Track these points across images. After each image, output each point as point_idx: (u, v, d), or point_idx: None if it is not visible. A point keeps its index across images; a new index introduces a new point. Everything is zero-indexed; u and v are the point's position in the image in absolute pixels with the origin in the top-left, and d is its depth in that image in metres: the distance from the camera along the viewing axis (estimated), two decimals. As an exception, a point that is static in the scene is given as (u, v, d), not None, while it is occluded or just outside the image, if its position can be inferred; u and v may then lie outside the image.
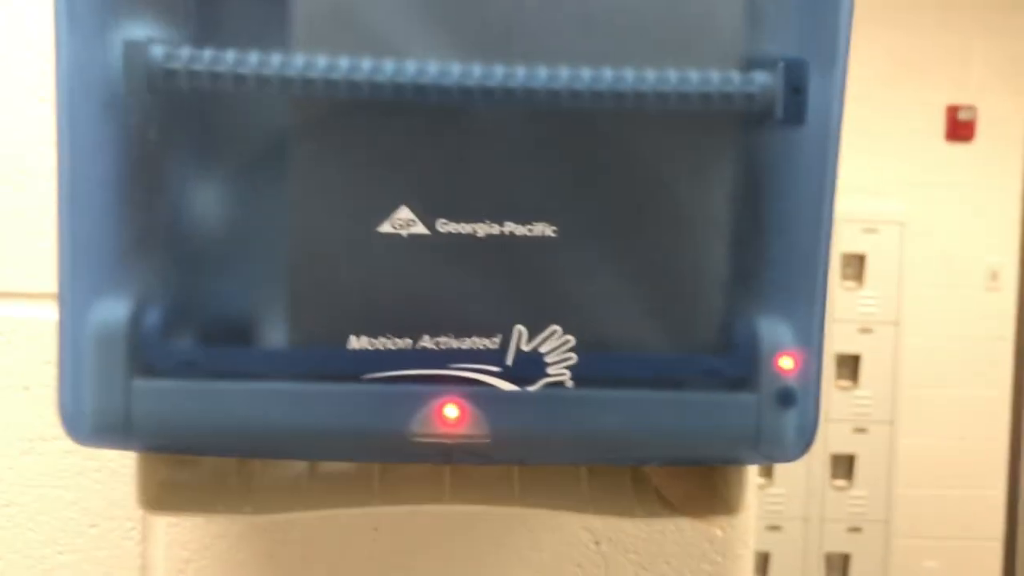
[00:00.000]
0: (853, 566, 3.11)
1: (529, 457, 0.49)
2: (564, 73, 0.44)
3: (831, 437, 3.05)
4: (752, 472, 0.56)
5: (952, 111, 3.36)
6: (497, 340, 0.45)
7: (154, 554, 0.66)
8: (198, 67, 0.43)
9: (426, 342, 0.45)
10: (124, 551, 0.66)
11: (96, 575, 0.66)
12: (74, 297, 0.45)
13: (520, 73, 0.44)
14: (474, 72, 0.43)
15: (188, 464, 0.49)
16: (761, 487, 3.03)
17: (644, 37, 0.45)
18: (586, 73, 0.44)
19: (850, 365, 3.12)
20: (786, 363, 0.47)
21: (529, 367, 0.46)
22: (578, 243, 0.45)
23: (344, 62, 0.43)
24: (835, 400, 3.04)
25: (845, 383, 3.12)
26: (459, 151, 0.45)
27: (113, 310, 0.45)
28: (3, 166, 0.66)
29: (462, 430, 0.45)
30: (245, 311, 0.46)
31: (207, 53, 0.43)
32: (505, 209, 0.45)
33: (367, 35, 0.44)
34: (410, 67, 0.43)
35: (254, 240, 0.46)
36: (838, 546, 3.11)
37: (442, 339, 0.45)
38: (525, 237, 0.45)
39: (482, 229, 0.45)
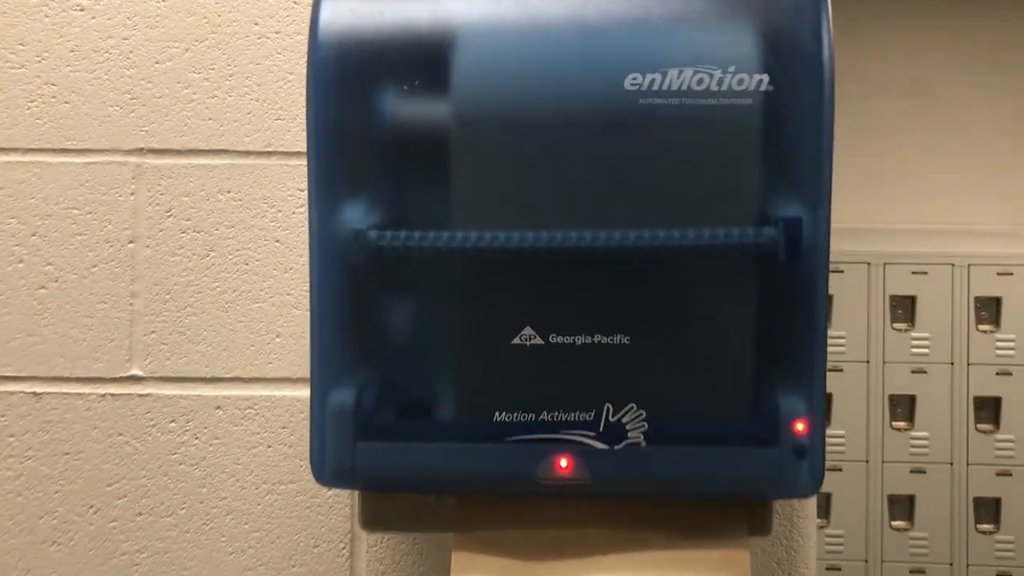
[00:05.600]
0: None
1: (618, 494, 0.71)
2: (634, 234, 0.66)
3: (973, 482, 3.03)
4: (810, 509, 0.76)
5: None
6: (592, 414, 0.68)
7: (359, 567, 0.91)
8: (398, 243, 0.68)
9: (545, 416, 0.68)
10: (338, 564, 0.91)
11: (318, 581, 0.92)
12: (320, 388, 0.70)
13: (603, 236, 0.66)
14: (573, 236, 0.66)
15: (392, 497, 0.74)
16: (902, 530, 3.06)
17: (688, 207, 0.67)
18: (649, 234, 0.66)
19: (991, 408, 3.10)
20: (799, 426, 0.67)
21: (615, 432, 0.68)
22: (645, 347, 0.67)
23: (488, 235, 0.67)
24: (975, 444, 3.03)
25: (986, 427, 3.10)
26: (565, 288, 0.68)
27: (344, 397, 0.70)
28: (252, 287, 0.93)
29: (572, 476, 0.68)
30: (427, 396, 0.71)
31: (403, 234, 0.68)
32: (595, 325, 0.67)
33: (505, 214, 0.68)
34: (531, 236, 0.67)
35: (433, 350, 0.70)
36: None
37: (555, 413, 0.68)
38: (609, 344, 0.67)
39: (580, 340, 0.67)
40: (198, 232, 0.93)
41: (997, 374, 3.11)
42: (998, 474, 3.11)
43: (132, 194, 0.93)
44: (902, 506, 3.08)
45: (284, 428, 0.92)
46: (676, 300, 0.68)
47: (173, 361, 0.93)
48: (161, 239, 0.93)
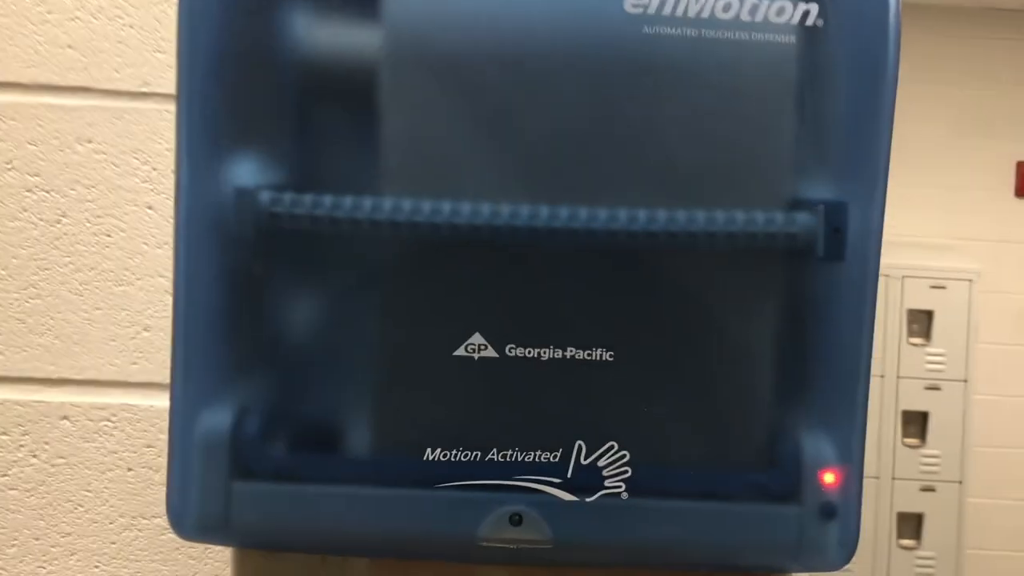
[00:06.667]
0: (921, 629, 3.03)
1: (588, 561, 0.53)
2: (622, 215, 0.49)
3: (898, 496, 3.00)
4: None
5: (1022, 167, 3.32)
6: (558, 454, 0.50)
7: (239, 625, 0.71)
8: (299, 211, 0.49)
9: (494, 455, 0.50)
10: (212, 622, 0.72)
11: (186, 643, 0.72)
12: (184, 407, 0.51)
13: (582, 214, 0.49)
14: (541, 214, 0.49)
15: (279, 557, 0.55)
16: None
17: (697, 179, 0.50)
18: (642, 215, 0.49)
19: (918, 423, 3.07)
20: (829, 478, 0.51)
21: (588, 479, 0.50)
22: (633, 367, 0.50)
23: (427, 206, 0.49)
24: (901, 458, 3.00)
25: (912, 441, 3.08)
26: (527, 283, 0.50)
27: (218, 419, 0.51)
28: (114, 265, 0.73)
29: (527, 537, 0.50)
30: (334, 422, 0.52)
31: (307, 198, 0.49)
32: (567, 335, 0.49)
33: (448, 180, 0.49)
34: (485, 210, 0.49)
35: (343, 360, 0.51)
36: (905, 609, 3.04)
37: (508, 452, 0.50)
38: (585, 361, 0.49)
39: (546, 353, 0.49)
40: (47, 192, 0.72)
41: (926, 388, 3.10)
42: (922, 489, 3.09)
43: (-40, 138, 0.72)
44: (827, 522, 3.01)
45: (150, 447, 0.72)
46: (676, 305, 0.50)
47: (8, 357, 0.72)
48: (-3, 198, 0.72)
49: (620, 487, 0.50)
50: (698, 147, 0.50)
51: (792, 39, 0.48)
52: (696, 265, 0.50)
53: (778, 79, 0.49)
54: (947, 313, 3.05)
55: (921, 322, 3.07)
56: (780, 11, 0.47)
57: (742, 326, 0.51)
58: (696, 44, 0.48)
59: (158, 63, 0.72)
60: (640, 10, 0.47)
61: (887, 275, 3.00)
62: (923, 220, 3.23)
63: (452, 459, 0.50)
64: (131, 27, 0.73)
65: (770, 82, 0.49)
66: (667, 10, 0.47)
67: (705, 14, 0.47)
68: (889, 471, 3.04)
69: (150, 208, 0.73)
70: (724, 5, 0.47)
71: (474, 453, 0.50)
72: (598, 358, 0.50)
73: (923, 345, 3.03)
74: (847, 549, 0.51)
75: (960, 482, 3.07)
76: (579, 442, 0.50)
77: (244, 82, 0.51)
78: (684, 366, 0.50)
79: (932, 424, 3.04)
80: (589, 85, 0.48)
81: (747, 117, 0.49)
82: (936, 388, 3.06)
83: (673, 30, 0.47)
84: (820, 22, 0.48)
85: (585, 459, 0.50)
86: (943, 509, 3.04)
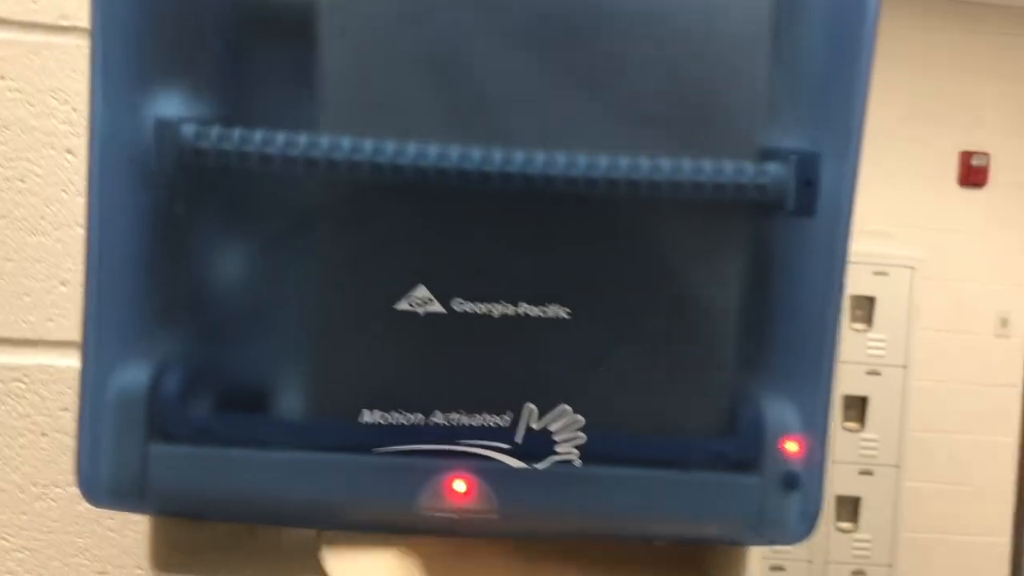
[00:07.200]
0: (857, 610, 3.08)
1: (535, 532, 0.50)
2: (581, 160, 0.45)
3: (837, 479, 3.04)
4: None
5: (965, 157, 3.37)
6: (508, 418, 0.46)
7: (161, 602, 0.67)
8: (227, 146, 0.44)
9: (438, 418, 0.46)
10: (132, 598, 0.67)
11: (103, 621, 0.67)
12: (97, 362, 0.46)
13: (539, 159, 0.45)
14: (494, 157, 0.45)
15: (200, 527, 0.50)
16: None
17: (664, 125, 0.46)
18: (603, 161, 0.45)
19: (857, 407, 3.11)
20: (791, 446, 0.48)
21: (538, 445, 0.46)
22: (590, 325, 0.46)
23: (368, 144, 0.44)
24: (841, 442, 3.03)
25: (852, 425, 3.11)
26: (478, 234, 0.46)
27: (134, 376, 0.46)
28: (28, 213, 0.67)
29: (470, 504, 0.46)
30: (262, 381, 0.47)
31: (236, 133, 0.44)
32: (520, 291, 0.46)
33: (392, 120, 0.45)
34: (432, 151, 0.44)
35: (274, 312, 0.47)
36: (842, 590, 3.09)
37: (453, 415, 0.46)
38: (539, 318, 0.46)
39: (497, 310, 0.46)
40: (-46, 132, 0.66)
41: (866, 373, 3.14)
42: (860, 473, 3.13)
43: None
44: (768, 503, 3.04)
45: (66, 410, 0.67)
46: (636, 261, 0.47)
47: (-92, 311, 0.66)
48: (-102, 138, 0.66)
49: (573, 453, 0.47)
50: (665, 92, 0.46)
51: (768, -23, 0.44)
52: (660, 218, 0.47)
53: (751, 22, 0.45)
54: (888, 299, 3.09)
55: (863, 308, 3.10)
56: (756, -54, 0.44)
57: (705, 284, 0.47)
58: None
59: (80, -5, 0.67)
60: (607, -61, 0.44)
61: (832, 260, 3.03)
62: (867, 207, 3.24)
63: (392, 422, 0.46)
64: (50, -46, 0.67)
65: (743, 25, 0.45)
66: (636, -60, 0.43)
67: (676, -53, 0.44)
68: (829, 455, 3.08)
69: (69, 152, 0.67)
70: (696, -64, 0.44)
71: (416, 415, 0.46)
72: (553, 315, 0.46)
73: (864, 331, 3.07)
74: (809, 522, 0.48)
75: (897, 466, 3.12)
76: (530, 405, 0.46)
77: (167, 6, 0.46)
78: (644, 326, 0.47)
79: (871, 409, 3.08)
80: (550, 22, 0.45)
81: (717, 61, 0.46)
82: (876, 373, 3.10)
83: (642, -37, 0.44)
84: (797, -41, 0.44)
85: (536, 423, 0.46)
86: (880, 493, 3.09)
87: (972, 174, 3.39)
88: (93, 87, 0.45)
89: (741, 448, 0.48)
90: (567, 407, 0.46)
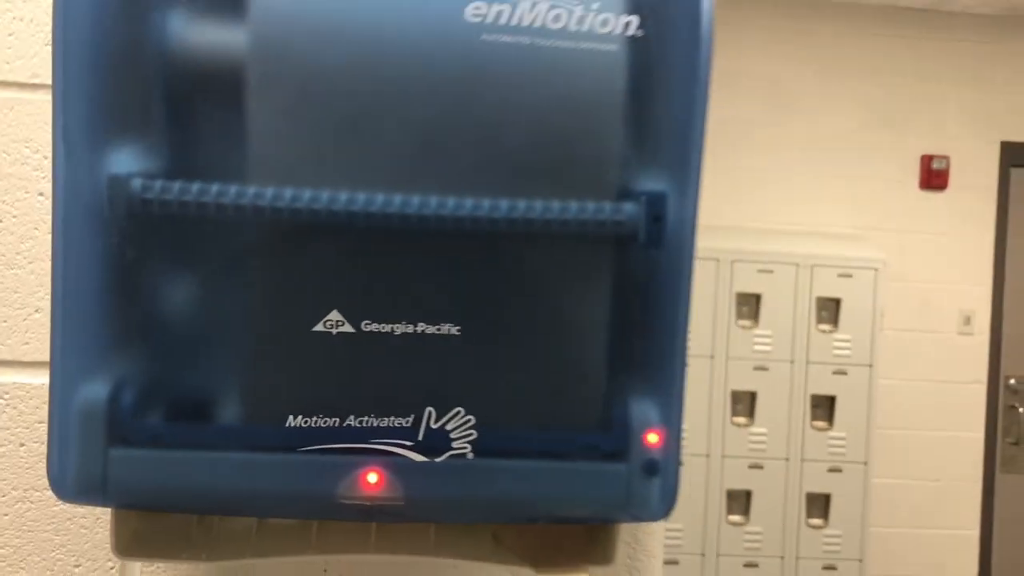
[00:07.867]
0: (825, 605, 3.15)
1: (437, 517, 0.59)
2: (467, 203, 0.54)
3: (806, 477, 3.12)
4: (656, 539, 0.65)
5: (926, 160, 3.46)
6: (410, 419, 0.55)
7: (130, 591, 0.75)
8: (169, 197, 0.53)
9: (351, 421, 0.55)
10: (104, 588, 0.75)
11: (79, 609, 0.75)
12: (63, 380, 0.55)
13: (415, 202, 0.54)
14: (392, 201, 0.54)
15: (156, 518, 0.59)
16: (738, 524, 3.10)
17: (536, 173, 0.55)
18: (485, 203, 0.54)
19: (825, 406, 3.18)
20: (652, 438, 0.57)
21: (437, 441, 0.55)
22: (478, 340, 0.55)
23: (288, 193, 0.53)
24: (810, 440, 3.11)
25: (820, 424, 3.19)
26: (381, 264, 0.55)
27: (94, 391, 0.55)
28: (5, 249, 0.76)
29: (381, 494, 0.55)
30: (205, 394, 0.56)
31: (176, 185, 0.53)
32: (418, 312, 0.55)
33: (310, 168, 0.54)
34: (341, 197, 0.53)
35: (213, 335, 0.56)
36: (811, 585, 3.16)
37: (364, 418, 0.55)
38: (434, 335, 0.55)
39: (399, 328, 0.55)
40: (-61, 178, 0.75)
41: (833, 373, 3.21)
42: (829, 470, 3.20)
43: None
44: (739, 501, 3.13)
45: (42, 423, 0.75)
46: (516, 285, 0.56)
47: (-100, 337, 0.75)
48: None
49: (466, 448, 0.55)
50: (534, 145, 0.55)
51: (616, 48, 0.54)
52: (535, 249, 0.56)
53: (605, 83, 0.54)
54: (854, 301, 3.16)
55: (829, 309, 3.18)
56: (604, 22, 0.53)
57: (576, 304, 0.56)
58: (529, 51, 0.53)
59: (48, 55, 0.75)
60: (479, 19, 0.53)
61: (797, 264, 3.12)
62: (831, 211, 3.35)
63: (313, 425, 0.55)
64: (20, 20, 0.75)
65: (598, 86, 0.54)
66: (503, 20, 0.53)
67: (537, 24, 0.53)
68: (799, 453, 3.15)
69: (41, 195, 0.76)
70: (554, 16, 0.53)
71: (333, 420, 0.55)
72: (446, 332, 0.55)
73: (831, 332, 3.14)
74: (667, 502, 0.57)
75: (865, 463, 3.19)
76: (429, 408, 0.55)
77: (117, 75, 0.54)
78: (524, 340, 0.56)
79: (839, 407, 3.16)
80: (434, 87, 0.54)
81: (577, 117, 0.55)
82: (843, 373, 3.18)
83: (509, 38, 0.53)
84: (641, 32, 0.54)
85: (434, 423, 0.55)
86: (849, 489, 3.16)
87: (933, 177, 3.47)
88: (55, 149, 0.54)
89: (612, 440, 0.57)
90: (460, 409, 0.55)
